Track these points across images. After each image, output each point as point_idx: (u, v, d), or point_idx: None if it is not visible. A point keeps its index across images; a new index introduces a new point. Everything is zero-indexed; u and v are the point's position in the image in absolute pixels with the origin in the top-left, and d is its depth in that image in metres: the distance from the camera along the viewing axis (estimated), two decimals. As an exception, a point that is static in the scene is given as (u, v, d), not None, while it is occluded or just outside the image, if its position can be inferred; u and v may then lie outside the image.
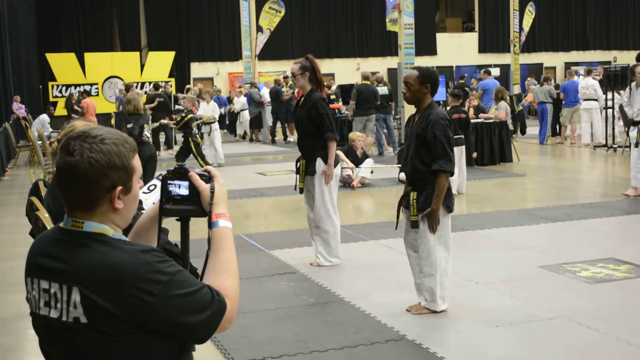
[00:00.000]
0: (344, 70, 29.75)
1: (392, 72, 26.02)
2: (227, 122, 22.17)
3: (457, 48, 32.42)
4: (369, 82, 15.41)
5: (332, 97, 19.37)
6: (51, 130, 16.71)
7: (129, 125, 9.29)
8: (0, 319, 5.48)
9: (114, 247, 1.76)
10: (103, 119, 21.39)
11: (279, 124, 19.89)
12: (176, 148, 15.78)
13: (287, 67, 6.48)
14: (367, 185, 11.17)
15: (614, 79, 14.90)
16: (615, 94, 14.93)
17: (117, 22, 28.14)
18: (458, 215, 8.04)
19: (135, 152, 1.85)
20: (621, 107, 11.09)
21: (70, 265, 1.75)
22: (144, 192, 2.78)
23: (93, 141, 1.77)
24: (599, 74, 18.05)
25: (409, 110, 5.10)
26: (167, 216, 1.97)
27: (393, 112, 16.54)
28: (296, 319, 5.08)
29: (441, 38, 32.50)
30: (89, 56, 25.67)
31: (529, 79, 25.77)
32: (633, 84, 9.72)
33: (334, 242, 6.42)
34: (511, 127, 15.01)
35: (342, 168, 9.00)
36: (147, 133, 9.50)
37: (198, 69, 29.20)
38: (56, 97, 25.19)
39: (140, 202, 2.60)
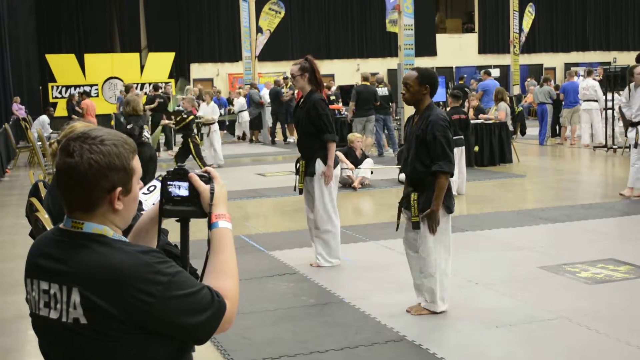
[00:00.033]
0: (343, 71, 29.75)
1: (392, 73, 26.04)
2: (227, 123, 22.18)
3: (457, 49, 32.43)
4: (368, 83, 15.42)
5: (332, 98, 19.38)
6: (51, 131, 16.72)
7: (128, 126, 9.29)
8: (0, 320, 5.48)
9: (113, 248, 1.76)
10: (103, 120, 21.41)
11: (278, 125, 19.90)
12: (175, 149, 15.77)
13: (287, 68, 6.50)
14: (367, 186, 11.17)
15: (614, 80, 14.91)
16: (615, 95, 14.93)
17: (117, 23, 28.16)
18: (458, 216, 8.04)
19: (135, 153, 1.86)
20: (621, 108, 11.10)
21: (70, 266, 1.75)
22: (143, 193, 2.78)
23: (93, 142, 1.77)
24: (598, 74, 18.05)
25: (409, 111, 5.10)
26: (167, 217, 1.97)
27: (393, 113, 16.54)
28: (296, 319, 5.08)
29: (441, 39, 32.51)
30: (88, 57, 25.68)
31: (528, 79, 25.76)
32: (632, 84, 9.73)
33: (334, 243, 6.42)
34: (511, 127, 15.02)
35: (341, 169, 9.00)
36: (146, 134, 9.50)
37: (198, 70, 29.21)
38: (56, 98, 25.19)
39: (140, 203, 2.60)
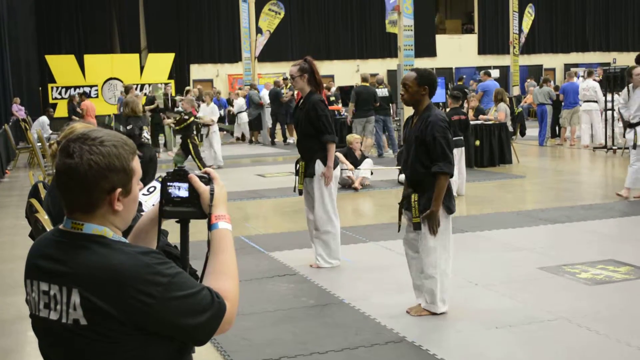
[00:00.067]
0: (343, 72, 29.77)
1: (391, 74, 26.06)
2: (225, 133, 22.17)
3: (457, 50, 32.45)
4: (367, 84, 15.42)
5: (332, 98, 19.39)
6: (51, 132, 16.73)
7: (128, 127, 9.30)
8: (0, 321, 5.48)
9: (113, 249, 1.76)
10: (103, 120, 21.41)
11: (278, 126, 19.90)
12: (175, 150, 15.77)
13: (286, 68, 6.53)
14: (367, 186, 11.17)
15: (614, 81, 14.91)
16: (615, 96, 14.94)
17: (117, 23, 28.17)
18: (458, 216, 8.04)
19: (134, 154, 1.86)
20: (620, 109, 11.10)
21: (70, 267, 1.75)
22: (143, 194, 2.78)
23: (92, 143, 1.77)
24: (598, 75, 18.06)
25: (409, 112, 5.10)
26: (167, 218, 1.97)
27: (393, 114, 16.55)
28: (296, 320, 5.08)
29: (441, 40, 32.53)
30: (88, 58, 25.68)
31: (528, 80, 25.77)
32: (630, 85, 9.73)
33: (334, 244, 6.42)
34: (511, 128, 15.02)
35: (341, 169, 9.00)
36: (146, 135, 9.51)
37: (198, 71, 29.22)
38: (56, 99, 25.20)
39: (140, 204, 2.60)
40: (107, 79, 25.77)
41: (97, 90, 25.61)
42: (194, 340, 1.83)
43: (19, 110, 19.42)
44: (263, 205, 10.21)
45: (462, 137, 10.23)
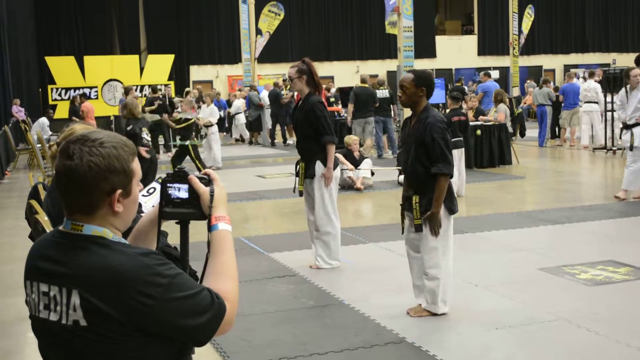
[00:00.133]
0: (343, 73, 29.78)
1: (391, 75, 26.07)
2: (227, 125, 22.18)
3: (457, 51, 32.46)
4: (366, 85, 15.42)
5: (332, 100, 19.40)
6: (50, 133, 16.71)
7: (128, 128, 9.31)
8: (0, 322, 5.49)
9: (113, 250, 1.76)
10: (102, 122, 21.40)
11: (278, 127, 19.90)
12: (174, 151, 15.77)
13: (286, 70, 6.52)
14: (369, 187, 11.16)
15: (613, 82, 14.91)
16: (615, 96, 14.93)
17: (117, 25, 28.17)
18: (457, 217, 8.00)
19: (134, 155, 1.86)
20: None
21: (70, 268, 1.75)
22: (143, 195, 2.78)
23: (92, 145, 1.77)
24: (598, 76, 18.08)
25: (409, 113, 5.11)
26: (167, 219, 1.97)
27: (395, 115, 16.54)
28: (296, 321, 5.08)
29: (440, 41, 32.54)
30: (88, 59, 25.68)
31: (528, 81, 25.79)
32: (627, 87, 9.73)
33: (334, 245, 6.42)
34: (510, 129, 15.02)
35: (341, 170, 9.00)
36: (146, 136, 9.51)
37: (197, 72, 29.23)
38: (55, 100, 25.18)
39: (140, 205, 2.60)
40: (106, 80, 25.75)
41: (97, 91, 25.60)
42: (194, 341, 1.83)
43: (18, 111, 19.42)
44: (263, 207, 10.21)
45: (461, 138, 10.23)
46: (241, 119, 20.31)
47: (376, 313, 5.12)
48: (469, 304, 5.30)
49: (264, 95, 20.23)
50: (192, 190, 1.93)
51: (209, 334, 1.80)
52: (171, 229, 2.24)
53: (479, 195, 10.39)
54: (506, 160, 13.49)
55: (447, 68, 31.18)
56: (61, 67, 25.42)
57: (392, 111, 16.24)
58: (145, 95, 21.04)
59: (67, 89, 25.29)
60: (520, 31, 27.68)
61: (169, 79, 25.94)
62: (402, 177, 7.93)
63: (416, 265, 5.07)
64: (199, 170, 11.86)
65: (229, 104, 22.29)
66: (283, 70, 27.06)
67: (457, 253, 5.56)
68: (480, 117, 13.77)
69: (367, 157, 11.80)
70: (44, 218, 3.61)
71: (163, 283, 1.72)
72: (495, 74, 21.20)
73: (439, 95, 14.89)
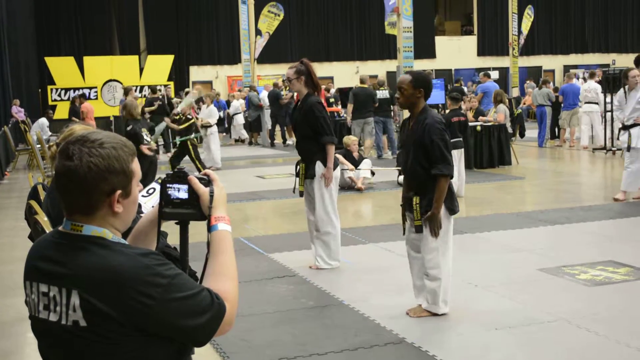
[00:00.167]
0: (343, 74, 29.78)
1: (391, 75, 26.06)
2: (227, 126, 22.17)
3: (456, 51, 32.47)
4: (366, 85, 15.42)
5: (331, 100, 19.40)
6: (50, 133, 16.72)
7: (128, 128, 9.30)
8: (-1, 322, 5.48)
9: (113, 251, 1.76)
10: (102, 122, 21.39)
11: (278, 127, 19.90)
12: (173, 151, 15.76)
13: (286, 70, 6.53)
14: (369, 187, 11.17)
15: (613, 82, 14.91)
16: (615, 97, 14.93)
17: (116, 25, 28.17)
18: (457, 218, 8.00)
19: (134, 155, 1.86)
20: None
21: (70, 269, 1.75)
22: (143, 196, 2.78)
23: (92, 145, 1.77)
24: (598, 76, 18.09)
25: (409, 113, 5.13)
26: (166, 220, 1.97)
27: (395, 116, 16.54)
28: (295, 322, 5.08)
29: (440, 41, 32.54)
30: (88, 60, 25.67)
31: (527, 82, 25.79)
32: (626, 87, 9.73)
33: (334, 245, 6.42)
34: (510, 130, 15.03)
35: (341, 170, 9.00)
36: (145, 137, 9.51)
37: (197, 73, 29.22)
38: (55, 100, 25.17)
39: (139, 205, 2.60)
40: (106, 81, 25.74)
41: (96, 92, 25.60)
42: (194, 341, 1.83)
43: (18, 112, 19.42)
44: (262, 207, 10.21)
45: (461, 139, 10.23)
46: (239, 119, 20.29)
47: (376, 313, 5.12)
48: (469, 305, 5.30)
49: (264, 96, 20.24)
50: (191, 191, 1.93)
51: (208, 334, 1.80)
52: (171, 229, 2.24)
53: (479, 195, 10.39)
54: (506, 160, 13.49)
55: (446, 68, 31.19)
56: (61, 67, 25.42)
57: (392, 112, 16.23)
58: (144, 96, 21.02)
59: (66, 90, 25.28)
60: (519, 32, 27.69)
61: (169, 80, 25.93)
62: (401, 178, 7.95)
63: (416, 265, 5.07)
64: (199, 170, 11.86)
65: (229, 104, 22.30)
66: (282, 70, 26.94)
67: (457, 253, 5.57)
68: (480, 118, 13.77)
69: (366, 158, 11.81)
70: (43, 218, 3.61)
71: (163, 283, 1.72)
72: (494, 75, 21.22)
73: (438, 96, 14.89)
